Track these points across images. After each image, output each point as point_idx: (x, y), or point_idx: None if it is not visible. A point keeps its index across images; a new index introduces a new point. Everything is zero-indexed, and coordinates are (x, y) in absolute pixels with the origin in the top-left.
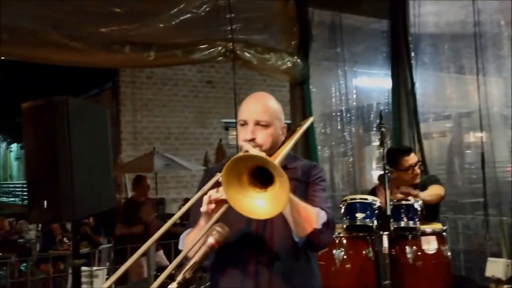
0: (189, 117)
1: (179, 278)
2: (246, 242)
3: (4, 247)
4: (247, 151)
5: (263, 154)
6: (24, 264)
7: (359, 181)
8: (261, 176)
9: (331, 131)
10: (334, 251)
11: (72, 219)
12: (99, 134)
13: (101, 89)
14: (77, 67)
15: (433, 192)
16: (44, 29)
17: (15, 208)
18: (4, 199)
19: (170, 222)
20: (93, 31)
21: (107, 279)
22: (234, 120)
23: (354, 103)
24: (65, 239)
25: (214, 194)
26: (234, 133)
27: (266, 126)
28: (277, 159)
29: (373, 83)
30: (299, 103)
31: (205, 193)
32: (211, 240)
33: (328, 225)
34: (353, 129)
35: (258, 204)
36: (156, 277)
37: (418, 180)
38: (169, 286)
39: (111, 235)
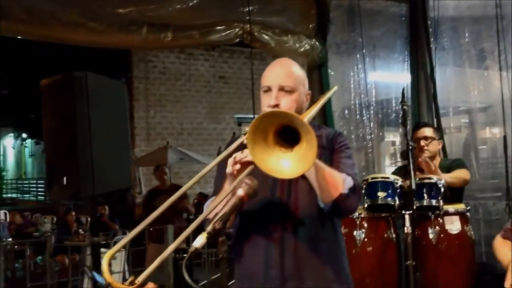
0: (202, 112)
1: (209, 228)
2: (270, 209)
3: (19, 240)
4: None
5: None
6: (40, 256)
7: (379, 170)
8: (287, 137)
9: (350, 116)
10: (354, 233)
11: (91, 195)
12: (117, 108)
13: None
14: (90, 63)
15: (457, 175)
16: (62, 9)
17: (30, 204)
18: (19, 196)
19: (190, 183)
20: (110, 12)
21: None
22: (247, 116)
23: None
24: (80, 230)
25: (239, 155)
26: (247, 128)
27: (291, 91)
28: (305, 118)
29: (391, 78)
30: (317, 87)
31: (230, 155)
32: (240, 192)
33: (355, 190)
34: (372, 113)
35: (284, 164)
36: (174, 259)
37: (425, 154)
38: (199, 235)
39: (125, 228)
